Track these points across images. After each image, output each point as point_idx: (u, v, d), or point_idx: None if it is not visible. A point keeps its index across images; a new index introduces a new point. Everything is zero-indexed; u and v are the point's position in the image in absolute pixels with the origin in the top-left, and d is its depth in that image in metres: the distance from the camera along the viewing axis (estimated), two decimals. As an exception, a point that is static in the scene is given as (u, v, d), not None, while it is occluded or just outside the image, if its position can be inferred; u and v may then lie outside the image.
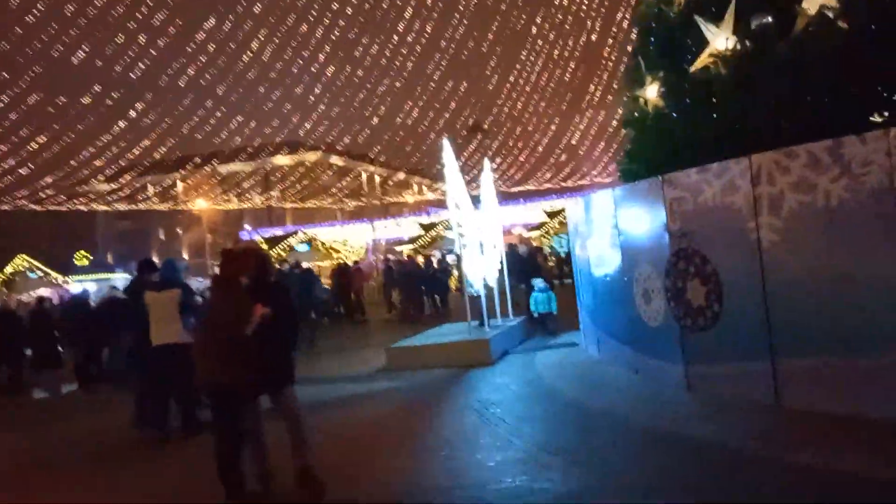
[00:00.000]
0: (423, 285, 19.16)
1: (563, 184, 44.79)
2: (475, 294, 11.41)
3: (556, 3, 40.12)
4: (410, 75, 46.62)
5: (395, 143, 45.30)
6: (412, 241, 34.46)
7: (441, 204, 41.01)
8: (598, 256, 8.86)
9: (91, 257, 38.48)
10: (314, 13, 39.31)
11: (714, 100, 7.32)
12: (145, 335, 7.50)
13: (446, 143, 11.49)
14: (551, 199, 37.11)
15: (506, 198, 34.74)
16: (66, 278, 35.10)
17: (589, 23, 39.43)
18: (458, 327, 12.16)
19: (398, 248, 34.99)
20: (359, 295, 20.70)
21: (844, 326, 5.32)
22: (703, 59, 7.32)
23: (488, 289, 11.61)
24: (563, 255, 27.47)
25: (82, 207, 44.40)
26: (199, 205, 49.76)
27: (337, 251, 35.02)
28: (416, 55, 40.10)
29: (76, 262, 36.92)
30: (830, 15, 6.30)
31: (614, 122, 36.28)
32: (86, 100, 34.72)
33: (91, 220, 58.51)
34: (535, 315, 12.63)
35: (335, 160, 58.36)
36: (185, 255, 53.15)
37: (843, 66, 6.11)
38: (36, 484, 6.48)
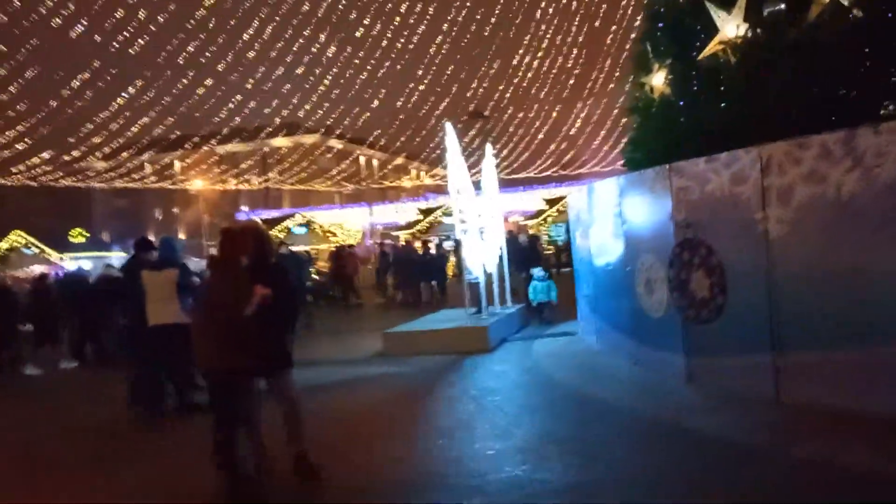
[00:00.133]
0: (420, 271, 19.06)
1: (563, 172, 44.65)
2: (474, 280, 11.34)
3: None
4: (411, 58, 46.27)
5: (394, 127, 44.90)
6: (410, 226, 34.39)
7: (439, 190, 40.99)
8: (601, 245, 8.76)
9: (87, 235, 38.37)
10: (316, -7, 38.82)
11: (722, 88, 7.21)
12: (142, 315, 7.41)
13: (449, 127, 11.37)
14: (550, 188, 37.05)
15: (505, 185, 34.62)
16: (62, 255, 35.01)
17: (593, 8, 39.04)
18: (456, 313, 12.07)
19: (394, 234, 34.88)
20: (352, 278, 20.61)
21: (851, 321, 5.23)
22: (712, 47, 7.18)
23: (487, 276, 11.54)
24: (560, 243, 27.46)
25: (79, 185, 44.13)
26: (197, 185, 49.57)
27: (334, 234, 35.00)
28: (416, 38, 39.65)
29: (72, 240, 36.81)
30: (845, 3, 6.17)
31: (615, 111, 36.14)
32: (84, 75, 34.28)
33: (88, 198, 58.34)
34: (534, 304, 12.57)
35: (334, 143, 58.07)
36: (182, 235, 52.96)
37: (856, 55, 5.99)
38: (27, 469, 6.31)
